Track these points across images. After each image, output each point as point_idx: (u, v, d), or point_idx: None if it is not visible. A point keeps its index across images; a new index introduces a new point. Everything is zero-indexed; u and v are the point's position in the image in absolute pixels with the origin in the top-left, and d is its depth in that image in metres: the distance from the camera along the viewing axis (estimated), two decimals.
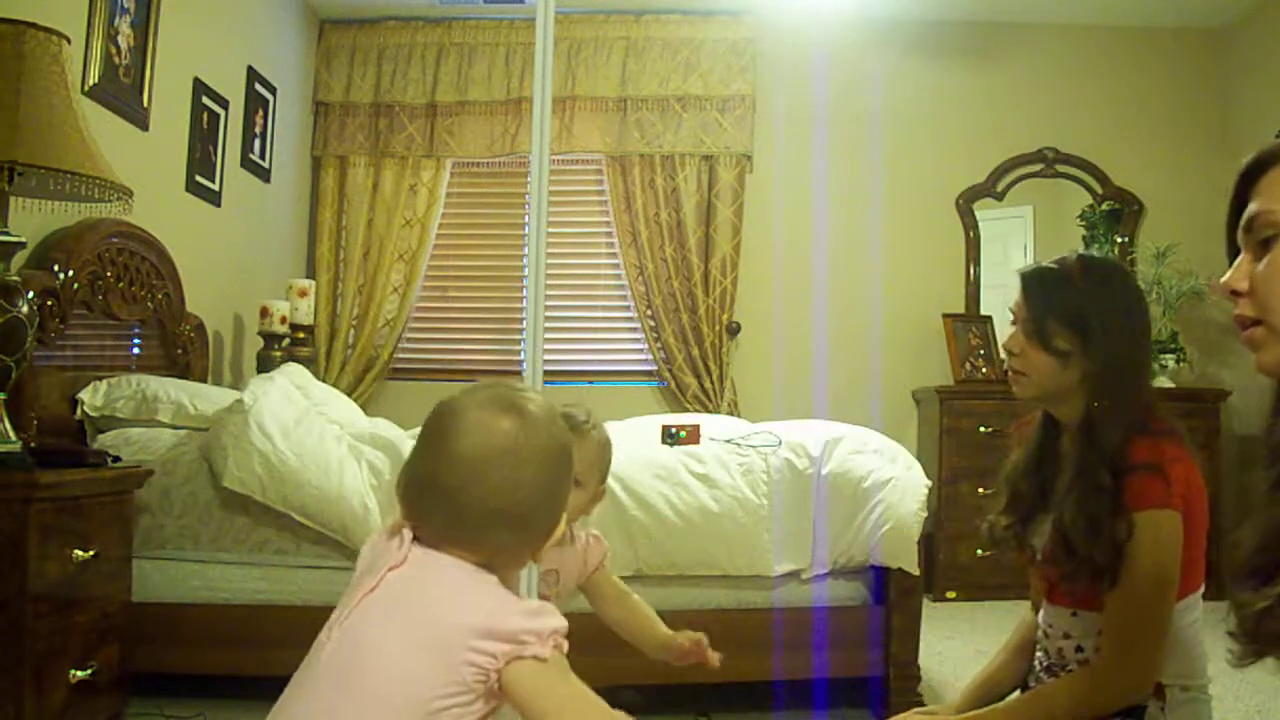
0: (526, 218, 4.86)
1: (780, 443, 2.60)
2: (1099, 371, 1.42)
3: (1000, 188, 4.79)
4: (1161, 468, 1.35)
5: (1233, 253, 1.07)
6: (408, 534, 1.01)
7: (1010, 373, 1.53)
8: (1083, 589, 1.39)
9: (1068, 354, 1.43)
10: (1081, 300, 1.45)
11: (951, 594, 4.06)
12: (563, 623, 0.98)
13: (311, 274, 4.72)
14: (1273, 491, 0.97)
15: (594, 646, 2.41)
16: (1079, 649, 1.45)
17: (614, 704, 1.01)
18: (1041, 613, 1.54)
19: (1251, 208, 0.98)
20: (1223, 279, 0.99)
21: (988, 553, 1.69)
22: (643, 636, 1.64)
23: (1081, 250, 1.84)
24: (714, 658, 1.58)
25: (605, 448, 1.61)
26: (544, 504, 1.02)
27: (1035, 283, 1.50)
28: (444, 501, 0.99)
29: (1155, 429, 1.40)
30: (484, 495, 0.99)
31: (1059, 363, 1.44)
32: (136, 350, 3.21)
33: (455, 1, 4.69)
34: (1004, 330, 1.55)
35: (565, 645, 0.98)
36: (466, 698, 0.93)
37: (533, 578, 1.48)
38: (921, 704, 2.51)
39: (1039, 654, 1.55)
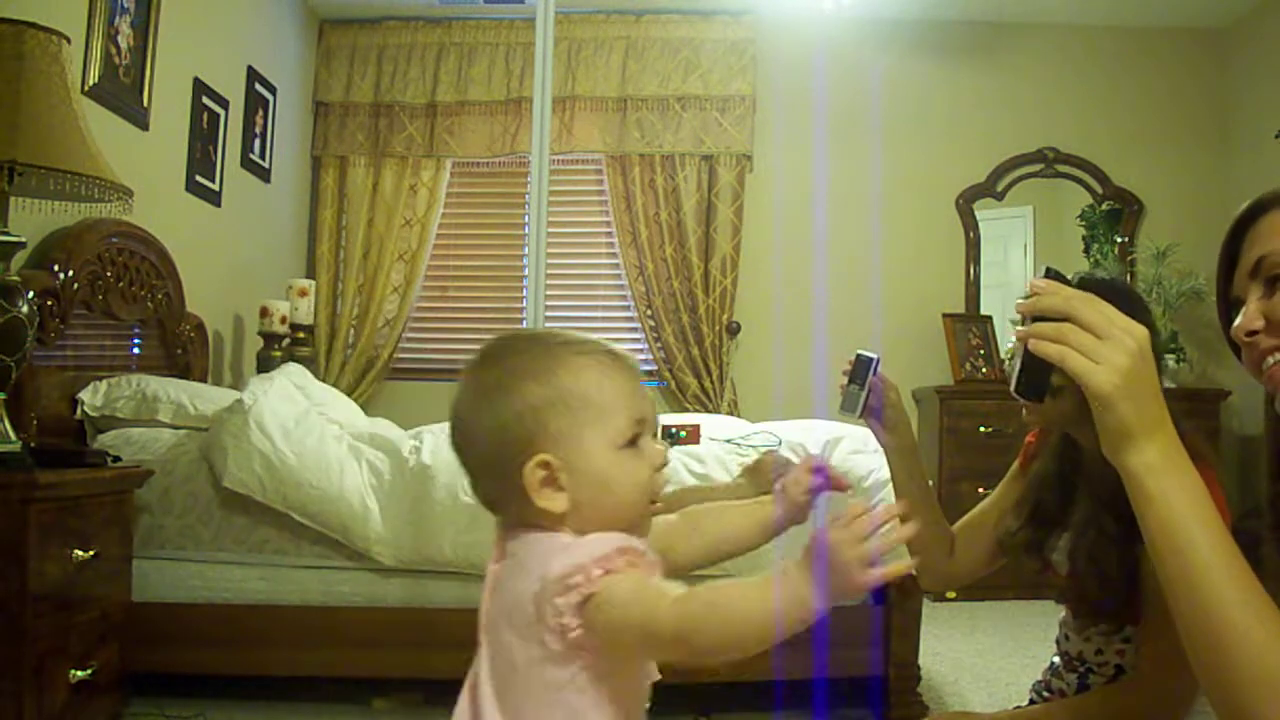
0: (526, 218, 4.86)
1: (780, 443, 2.59)
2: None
3: (1000, 188, 4.79)
4: None
5: (1224, 307, 1.10)
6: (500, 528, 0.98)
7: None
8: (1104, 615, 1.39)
9: (1059, 389, 1.21)
10: None
11: (951, 594, 4.05)
12: (610, 541, 0.87)
13: (311, 274, 4.72)
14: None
15: None
16: (1099, 651, 1.45)
17: None
18: (1061, 614, 1.53)
19: (1256, 251, 1.01)
20: (1236, 325, 1.02)
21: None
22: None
23: (1085, 270, 1.79)
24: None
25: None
26: (522, 418, 0.91)
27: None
28: (472, 473, 0.96)
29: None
30: (478, 442, 0.94)
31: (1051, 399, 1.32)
32: (136, 350, 3.21)
33: (455, 1, 4.69)
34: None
35: (635, 558, 0.87)
36: (569, 668, 0.87)
37: None
38: (922, 704, 2.51)
39: (1056, 657, 1.54)
